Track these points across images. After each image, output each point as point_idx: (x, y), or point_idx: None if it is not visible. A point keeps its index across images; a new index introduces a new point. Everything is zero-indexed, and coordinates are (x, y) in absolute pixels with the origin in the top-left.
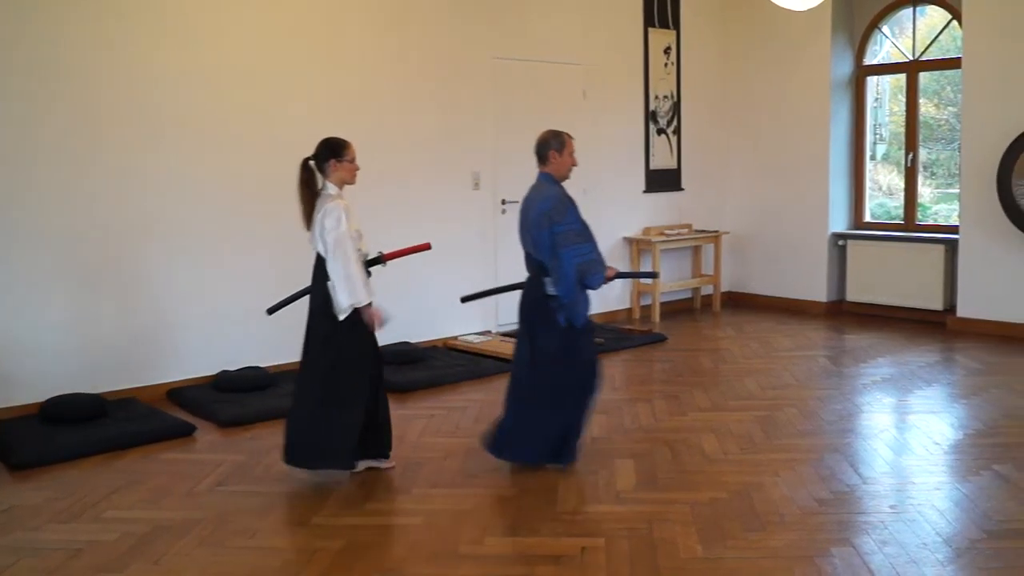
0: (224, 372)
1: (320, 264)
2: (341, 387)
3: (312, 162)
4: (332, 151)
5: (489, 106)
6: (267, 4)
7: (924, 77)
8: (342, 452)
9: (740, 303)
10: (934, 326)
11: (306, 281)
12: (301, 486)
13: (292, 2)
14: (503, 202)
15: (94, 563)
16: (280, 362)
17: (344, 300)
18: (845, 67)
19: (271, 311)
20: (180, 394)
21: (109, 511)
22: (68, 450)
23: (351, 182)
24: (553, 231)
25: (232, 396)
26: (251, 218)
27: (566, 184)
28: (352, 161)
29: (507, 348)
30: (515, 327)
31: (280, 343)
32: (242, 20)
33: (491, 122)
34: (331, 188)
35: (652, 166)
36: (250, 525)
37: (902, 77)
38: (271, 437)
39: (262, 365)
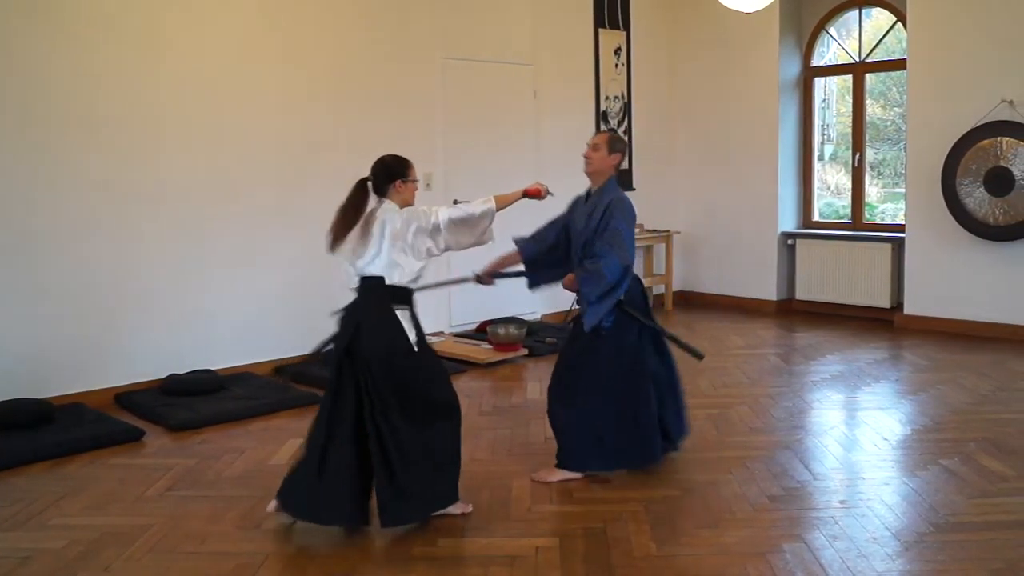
0: (173, 375)
1: (376, 291)
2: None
3: (370, 183)
4: (398, 172)
5: (440, 106)
6: (216, 5)
7: (870, 78)
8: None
9: (692, 302)
10: (882, 323)
11: (249, 287)
12: (252, 491)
13: (238, 2)
14: (455, 202)
15: (42, 571)
16: (230, 365)
17: (484, 209)
18: (793, 68)
19: (309, 360)
20: (128, 398)
21: (56, 518)
22: (13, 457)
23: (412, 203)
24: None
25: (181, 400)
26: (199, 219)
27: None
28: (416, 180)
29: (460, 349)
30: (470, 328)
31: (229, 346)
32: (204, 18)
33: (442, 122)
34: (388, 204)
35: None
36: (201, 530)
37: (849, 78)
38: (222, 441)
39: (211, 368)
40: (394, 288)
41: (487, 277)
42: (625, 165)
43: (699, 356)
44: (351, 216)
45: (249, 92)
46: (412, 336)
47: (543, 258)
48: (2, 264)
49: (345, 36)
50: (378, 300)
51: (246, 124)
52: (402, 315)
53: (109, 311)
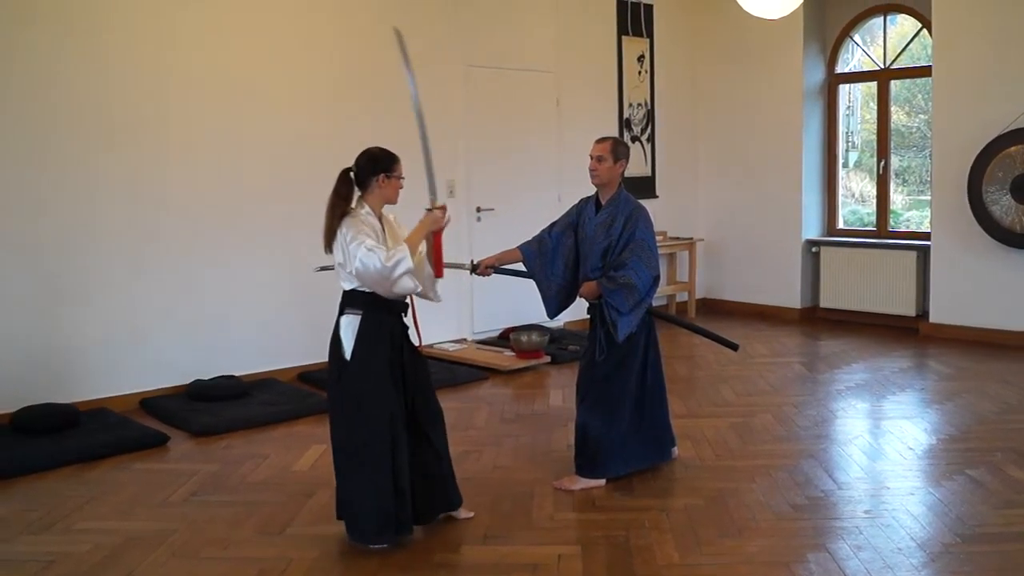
0: (198, 381)
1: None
2: (353, 440)
3: (352, 175)
4: (383, 165)
5: (463, 114)
6: (239, 6)
7: (895, 85)
8: (366, 519)
9: (715, 310)
10: (907, 332)
11: (281, 292)
12: (275, 496)
13: (263, 5)
14: (478, 209)
15: (66, 575)
16: (254, 371)
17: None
18: (817, 75)
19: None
20: (153, 403)
21: (81, 522)
22: (40, 461)
23: (394, 201)
24: None
25: (206, 405)
26: (222, 227)
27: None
28: (401, 177)
29: (482, 356)
30: (493, 335)
31: (253, 352)
32: (218, 22)
33: (465, 130)
34: (365, 207)
35: (627, 174)
36: (224, 535)
37: (873, 85)
38: (245, 446)
39: (236, 374)
40: (345, 291)
41: (485, 268)
42: (648, 172)
43: (733, 347)
44: (338, 211)
45: (270, 98)
46: (348, 346)
47: (551, 279)
48: (28, 270)
49: (368, 44)
50: (341, 304)
51: (268, 130)
52: (346, 322)
53: (135, 317)
